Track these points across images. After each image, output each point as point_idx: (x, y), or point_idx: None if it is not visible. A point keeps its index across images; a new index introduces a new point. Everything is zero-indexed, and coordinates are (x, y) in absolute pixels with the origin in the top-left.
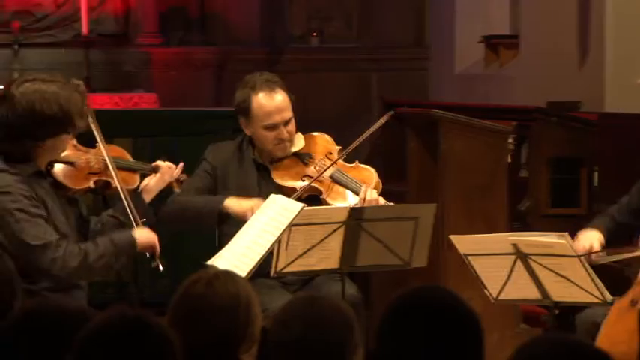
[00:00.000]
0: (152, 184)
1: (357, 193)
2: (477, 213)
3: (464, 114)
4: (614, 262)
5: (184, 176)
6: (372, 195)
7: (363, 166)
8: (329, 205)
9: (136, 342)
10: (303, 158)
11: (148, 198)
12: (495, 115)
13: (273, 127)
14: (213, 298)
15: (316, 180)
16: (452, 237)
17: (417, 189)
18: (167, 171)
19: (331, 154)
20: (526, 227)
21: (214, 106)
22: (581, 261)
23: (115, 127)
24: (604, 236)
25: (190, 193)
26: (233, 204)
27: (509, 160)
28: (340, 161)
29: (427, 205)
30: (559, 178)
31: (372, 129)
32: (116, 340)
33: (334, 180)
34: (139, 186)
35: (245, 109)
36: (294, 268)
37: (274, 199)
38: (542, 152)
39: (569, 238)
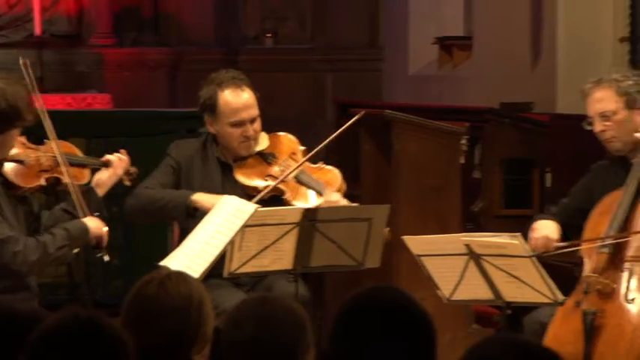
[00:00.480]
0: (105, 178)
1: (321, 195)
2: (430, 214)
3: (417, 115)
4: (567, 252)
5: (134, 169)
6: (333, 197)
7: (327, 167)
8: (291, 205)
9: (88, 343)
10: (266, 158)
11: (101, 192)
12: (449, 116)
13: (239, 124)
14: (165, 299)
15: (280, 181)
16: (405, 238)
17: (371, 190)
18: (119, 163)
19: (295, 154)
20: (479, 228)
21: (168, 107)
22: (533, 261)
23: (68, 127)
24: (557, 223)
25: (156, 187)
26: (202, 198)
27: (462, 161)
28: (305, 163)
29: (380, 206)
30: (512, 179)
31: (342, 129)
32: (69, 342)
33: (299, 181)
34: (90, 180)
35: (211, 106)
36: (247, 269)
37: (228, 199)
38: (495, 153)
39: (521, 238)
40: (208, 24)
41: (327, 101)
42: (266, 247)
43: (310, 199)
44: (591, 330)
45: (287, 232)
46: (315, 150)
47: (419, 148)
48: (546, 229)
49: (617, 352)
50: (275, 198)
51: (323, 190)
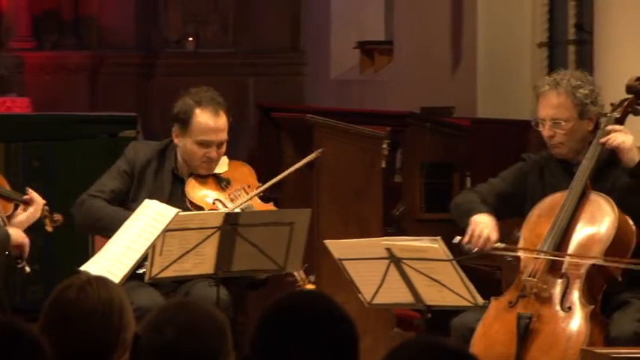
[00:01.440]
0: (23, 218)
1: None
2: (351, 218)
3: (339, 119)
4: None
5: (59, 217)
6: None
7: (275, 208)
8: None
9: (6, 349)
10: (221, 181)
11: (15, 232)
12: (370, 121)
13: (206, 145)
14: (85, 304)
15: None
16: (326, 242)
17: (293, 194)
18: (39, 208)
19: (249, 187)
20: (400, 232)
21: (89, 111)
22: (453, 265)
23: None
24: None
25: (105, 194)
26: None
27: (383, 165)
28: (256, 198)
29: (302, 210)
30: (432, 182)
31: (298, 165)
32: None
33: None
34: (12, 213)
35: (184, 120)
36: (168, 273)
37: (149, 204)
38: (415, 157)
39: (442, 242)
40: (129, 27)
41: (249, 105)
42: (187, 252)
43: None
44: (525, 333)
45: (208, 237)
46: (266, 185)
47: (340, 152)
48: (488, 229)
49: (549, 359)
50: None
51: None
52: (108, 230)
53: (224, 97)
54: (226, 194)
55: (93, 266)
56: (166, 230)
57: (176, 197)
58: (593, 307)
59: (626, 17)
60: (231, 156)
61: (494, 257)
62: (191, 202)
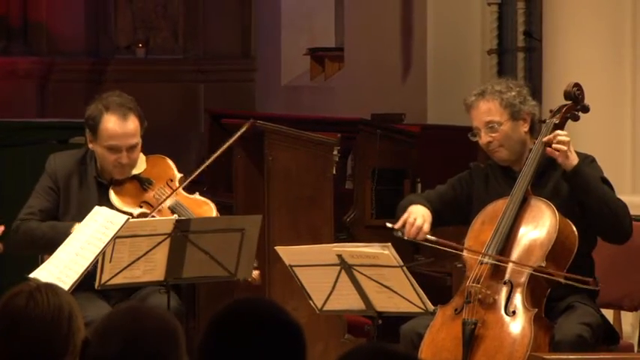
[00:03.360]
0: None
1: None
2: (302, 224)
3: (290, 125)
4: (433, 245)
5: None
6: None
7: (201, 198)
8: None
9: None
10: (143, 183)
11: None
12: (321, 127)
13: (115, 150)
14: (34, 311)
15: (156, 210)
16: (277, 248)
17: (244, 200)
18: None
19: (172, 181)
20: (351, 238)
21: (38, 117)
22: (403, 271)
23: None
24: (432, 215)
25: (36, 215)
26: None
27: (334, 171)
28: (181, 191)
29: (253, 217)
30: (383, 189)
31: (223, 148)
32: None
33: (173, 212)
34: None
35: (93, 126)
36: (118, 280)
37: (99, 210)
38: (366, 164)
39: (392, 248)
40: (79, 33)
41: (199, 112)
42: (138, 259)
43: None
44: (470, 339)
45: (159, 243)
46: (191, 178)
47: (291, 158)
48: (421, 218)
49: None
50: None
51: None
52: (51, 246)
53: (174, 103)
54: (151, 195)
55: (42, 273)
56: (116, 237)
57: (106, 205)
58: (536, 310)
59: (574, 25)
60: (182, 162)
61: (444, 264)
62: (119, 210)
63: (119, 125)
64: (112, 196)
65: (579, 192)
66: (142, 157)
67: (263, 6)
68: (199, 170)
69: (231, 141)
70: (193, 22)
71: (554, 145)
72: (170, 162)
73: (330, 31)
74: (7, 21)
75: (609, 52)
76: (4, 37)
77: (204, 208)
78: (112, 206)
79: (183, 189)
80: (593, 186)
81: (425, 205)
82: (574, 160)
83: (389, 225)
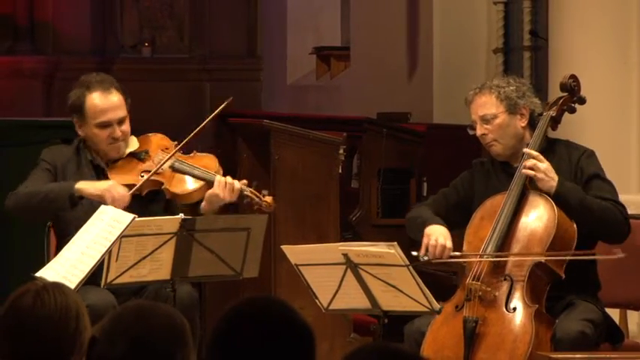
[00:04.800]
0: None
1: (200, 179)
2: (308, 223)
3: (295, 125)
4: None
5: None
6: (227, 179)
7: (201, 154)
8: (172, 192)
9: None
10: (139, 155)
11: None
12: (326, 126)
13: (106, 125)
14: (41, 310)
15: (155, 173)
16: (283, 247)
17: None
18: None
19: (167, 148)
20: (357, 237)
21: (44, 116)
22: (409, 270)
23: None
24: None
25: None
26: (87, 186)
27: (340, 170)
28: (178, 153)
29: (259, 216)
30: (389, 188)
31: (212, 115)
32: None
33: (175, 170)
34: None
35: (78, 107)
36: (124, 279)
37: (105, 209)
38: (372, 163)
39: (398, 247)
40: (85, 33)
41: (205, 111)
42: (143, 257)
43: (188, 185)
44: (472, 337)
45: (165, 242)
46: (187, 139)
47: (297, 157)
48: (442, 237)
49: None
50: (157, 191)
51: (204, 174)
52: (46, 200)
53: (180, 102)
54: (149, 163)
55: (48, 272)
56: (122, 236)
57: None
58: (537, 306)
59: (580, 23)
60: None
61: (450, 263)
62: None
63: (104, 100)
64: (111, 174)
65: (564, 211)
66: (133, 138)
67: (269, 5)
68: (193, 133)
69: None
70: (199, 21)
71: (526, 166)
72: (160, 134)
73: (336, 30)
74: (13, 20)
75: (615, 50)
76: (10, 37)
77: (205, 160)
78: None
79: (181, 152)
80: (574, 204)
81: (439, 223)
82: (552, 183)
83: (414, 254)
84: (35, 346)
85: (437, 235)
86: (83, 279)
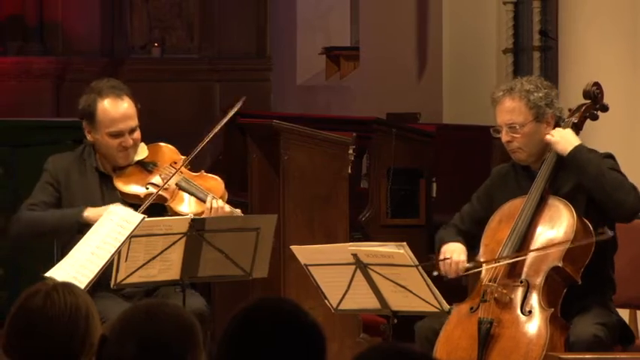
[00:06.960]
0: None
1: (202, 201)
2: (317, 223)
3: (305, 125)
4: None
5: None
6: (217, 204)
7: (208, 175)
8: (174, 211)
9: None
10: (147, 166)
11: None
12: (336, 127)
13: (117, 135)
14: (51, 310)
15: (162, 188)
16: (293, 247)
17: (259, 200)
18: None
19: (176, 163)
20: (366, 237)
21: (54, 117)
22: (419, 270)
23: None
24: (465, 243)
25: (39, 207)
26: (94, 214)
27: (349, 170)
28: (186, 169)
29: (268, 216)
30: (398, 188)
31: (226, 118)
32: None
33: (180, 188)
34: None
35: (90, 114)
36: (134, 279)
37: (114, 210)
38: (381, 163)
39: (407, 248)
40: (95, 33)
41: (215, 111)
42: (153, 258)
43: (190, 206)
44: (486, 338)
45: (174, 243)
46: (193, 154)
47: (306, 157)
48: (456, 254)
49: None
50: (159, 206)
51: (205, 196)
52: (53, 230)
53: (190, 103)
54: (156, 175)
55: (58, 272)
56: (132, 236)
57: (109, 195)
58: (552, 310)
59: (590, 24)
60: (196, 162)
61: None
62: (125, 195)
63: (116, 108)
64: (117, 181)
65: (577, 172)
66: (142, 145)
67: (278, 5)
68: (200, 146)
69: (230, 114)
70: (209, 21)
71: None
72: (171, 146)
73: (346, 30)
74: (22, 21)
75: (625, 50)
76: (19, 37)
77: (211, 182)
78: (116, 195)
79: (190, 169)
80: (586, 163)
81: (454, 240)
82: (568, 146)
83: (435, 274)
84: (45, 346)
85: (449, 252)
86: (93, 279)
